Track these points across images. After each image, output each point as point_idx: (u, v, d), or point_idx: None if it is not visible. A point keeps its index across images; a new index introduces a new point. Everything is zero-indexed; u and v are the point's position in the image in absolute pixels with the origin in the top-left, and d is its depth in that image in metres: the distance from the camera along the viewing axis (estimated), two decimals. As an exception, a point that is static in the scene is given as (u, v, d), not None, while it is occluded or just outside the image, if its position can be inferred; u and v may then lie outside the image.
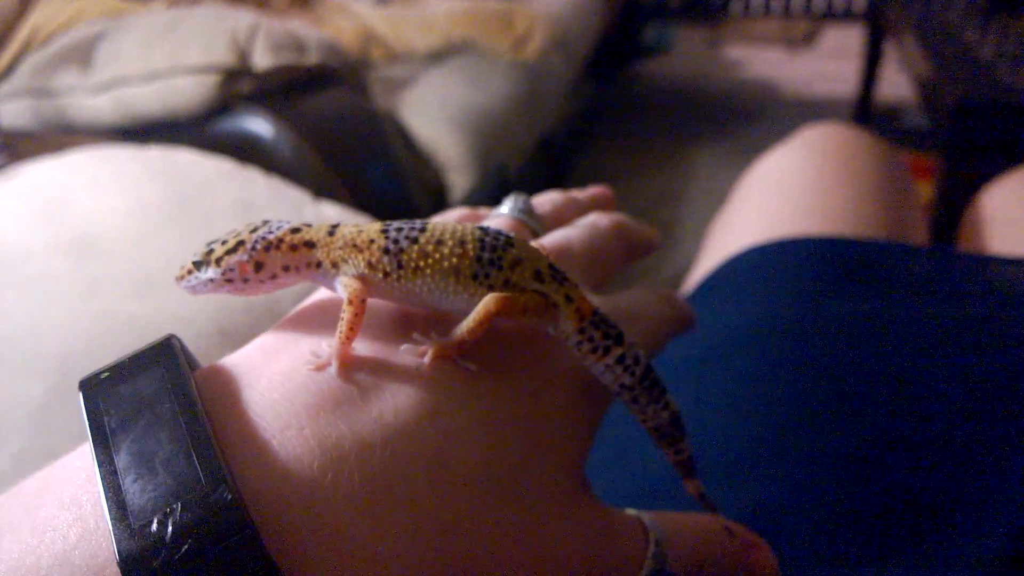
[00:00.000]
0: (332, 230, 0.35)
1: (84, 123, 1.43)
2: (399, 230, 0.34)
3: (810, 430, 0.56)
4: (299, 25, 1.77)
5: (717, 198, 2.99)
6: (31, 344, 0.57)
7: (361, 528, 0.26)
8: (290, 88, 1.57)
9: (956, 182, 1.66)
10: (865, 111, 3.29)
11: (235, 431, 0.27)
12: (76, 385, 0.32)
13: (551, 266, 0.34)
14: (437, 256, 0.33)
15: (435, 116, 1.86)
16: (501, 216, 0.43)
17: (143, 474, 0.25)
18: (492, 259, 0.33)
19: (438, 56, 2.13)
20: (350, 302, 0.32)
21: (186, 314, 0.66)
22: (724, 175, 3.44)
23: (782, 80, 4.18)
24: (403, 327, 0.34)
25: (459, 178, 1.79)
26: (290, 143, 1.49)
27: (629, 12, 3.79)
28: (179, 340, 0.32)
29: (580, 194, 0.48)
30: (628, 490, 0.57)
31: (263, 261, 0.34)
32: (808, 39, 4.65)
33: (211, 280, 0.35)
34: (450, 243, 0.33)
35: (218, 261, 0.34)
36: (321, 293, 0.37)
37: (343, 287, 0.33)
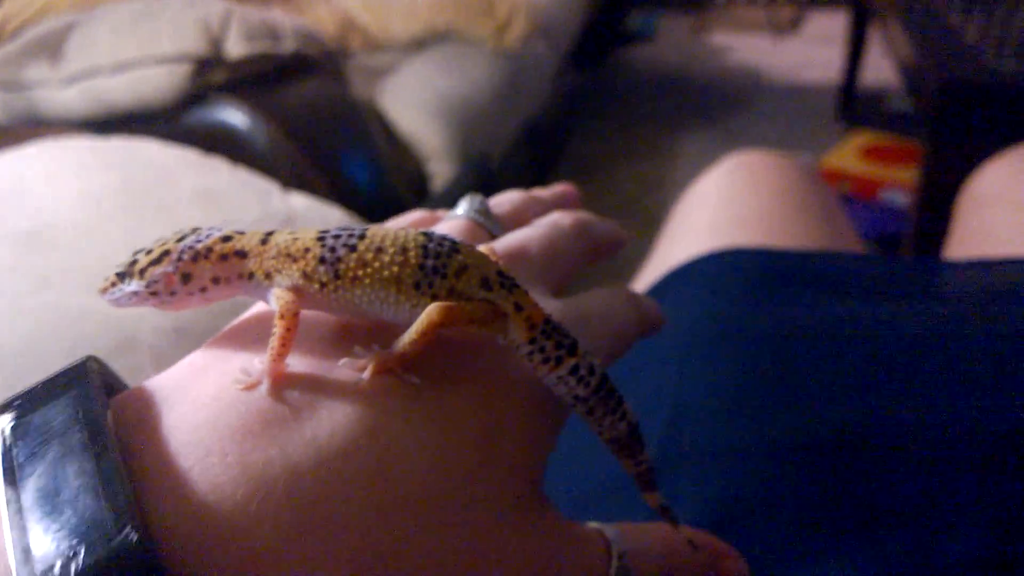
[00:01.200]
0: (265, 238, 0.32)
1: (55, 116, 1.40)
2: (336, 237, 0.32)
3: (770, 426, 0.55)
4: (276, 14, 1.73)
5: (703, 185, 2.97)
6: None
7: (290, 562, 0.24)
8: (265, 78, 1.53)
9: (941, 165, 1.65)
10: (849, 96, 3.28)
11: (152, 461, 0.25)
12: (23, 381, 0.30)
13: (500, 272, 0.32)
14: (377, 265, 0.31)
15: (416, 105, 1.83)
16: (456, 218, 0.41)
17: (48, 513, 0.23)
18: (436, 267, 0.31)
19: (419, 44, 2.10)
20: (282, 316, 0.29)
21: (142, 309, 0.63)
22: (711, 162, 3.43)
23: (767, 67, 4.17)
24: (343, 340, 0.32)
25: (441, 168, 1.77)
26: (266, 134, 1.46)
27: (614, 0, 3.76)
28: (98, 362, 0.30)
29: (543, 193, 0.47)
30: (585, 500, 0.56)
31: (190, 272, 0.32)
32: (793, 25, 4.64)
33: (135, 293, 0.33)
34: (391, 250, 0.31)
35: (142, 272, 0.32)
36: (259, 306, 0.34)
37: (275, 299, 0.30)
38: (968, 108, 1.56)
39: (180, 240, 0.33)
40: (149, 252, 0.32)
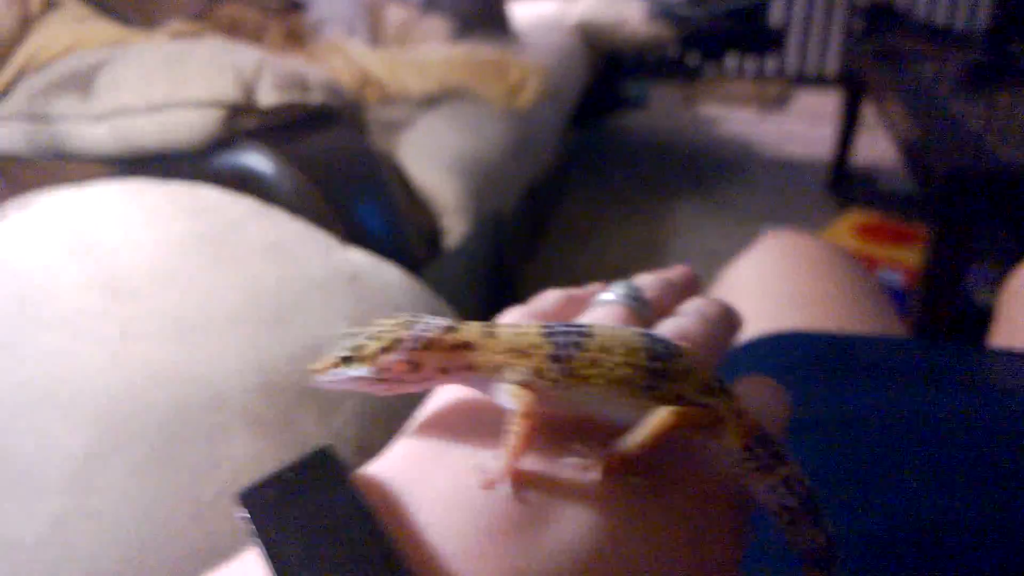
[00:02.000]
0: (490, 331, 0.32)
1: (80, 151, 1.39)
2: (565, 334, 0.32)
3: (854, 519, 0.55)
4: (299, 63, 1.75)
5: (698, 251, 3.03)
6: (66, 391, 0.53)
7: None
8: (291, 126, 1.55)
9: (945, 249, 1.70)
10: (841, 173, 3.38)
11: (420, 563, 0.25)
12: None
13: (713, 376, 0.32)
14: (608, 365, 0.31)
15: (431, 160, 1.85)
16: (611, 303, 0.41)
17: None
18: (663, 370, 0.31)
19: (432, 101, 2.13)
20: (525, 415, 0.29)
21: (230, 365, 0.62)
22: (704, 229, 3.51)
23: (756, 140, 4.29)
24: (560, 436, 0.31)
25: (455, 222, 1.78)
26: (291, 180, 1.46)
27: (610, 67, 3.87)
28: (334, 450, 0.30)
29: (672, 276, 0.47)
30: None
31: (420, 361, 0.31)
32: (780, 101, 4.80)
33: (360, 378, 0.32)
34: (620, 351, 0.31)
35: (372, 359, 0.32)
36: (451, 392, 0.34)
37: (513, 397, 0.30)
38: (974, 195, 1.62)
39: (408, 329, 0.32)
40: (376, 338, 0.32)
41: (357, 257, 0.83)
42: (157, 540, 0.59)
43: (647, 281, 0.44)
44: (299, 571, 0.24)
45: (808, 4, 4.88)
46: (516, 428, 0.29)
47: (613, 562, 0.26)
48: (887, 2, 3.35)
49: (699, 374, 0.31)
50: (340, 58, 2.26)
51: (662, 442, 0.29)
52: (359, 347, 0.32)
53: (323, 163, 1.54)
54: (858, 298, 0.87)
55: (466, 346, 0.32)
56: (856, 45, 2.97)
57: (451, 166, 1.84)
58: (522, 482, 0.28)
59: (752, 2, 4.11)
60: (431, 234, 1.82)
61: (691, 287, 0.47)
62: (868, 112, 3.19)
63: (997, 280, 2.29)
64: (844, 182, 3.38)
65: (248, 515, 0.27)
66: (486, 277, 1.80)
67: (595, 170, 3.85)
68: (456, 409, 0.33)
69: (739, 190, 3.61)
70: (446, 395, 0.34)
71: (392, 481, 0.28)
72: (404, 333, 0.32)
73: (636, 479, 0.29)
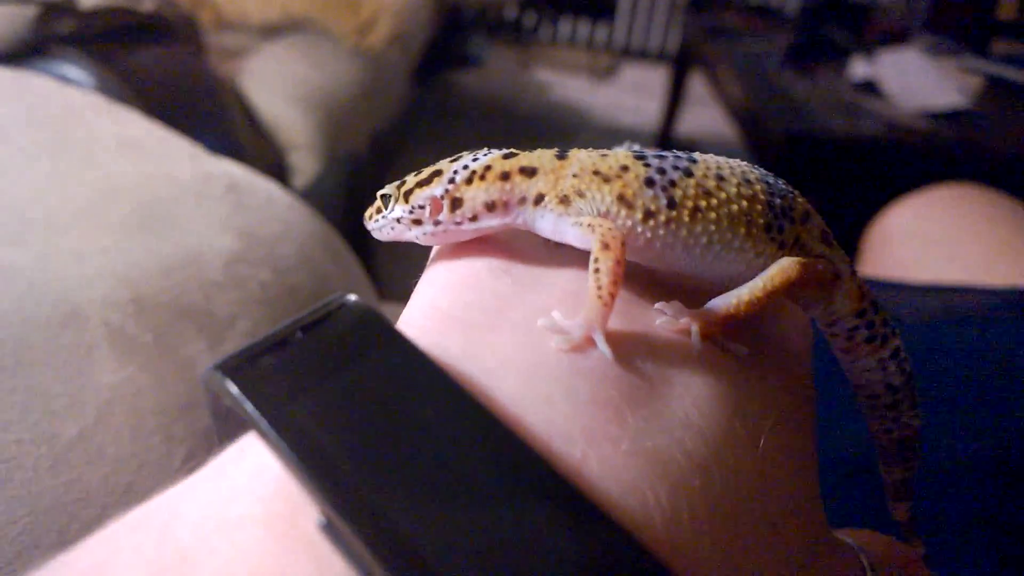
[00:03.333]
0: (562, 153, 0.27)
1: None
2: (661, 157, 0.26)
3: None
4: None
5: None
6: None
7: (725, 571, 0.19)
8: (118, 35, 1.34)
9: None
10: (665, 144, 3.56)
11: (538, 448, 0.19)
12: None
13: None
14: (723, 196, 0.25)
15: (277, 92, 1.70)
16: None
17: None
18: (783, 208, 0.26)
19: (275, 30, 1.96)
20: (606, 246, 0.23)
21: (86, 271, 0.51)
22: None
23: (587, 107, 4.41)
24: (635, 291, 0.26)
25: (305, 161, 1.65)
26: (115, 97, 1.27)
27: (451, 23, 3.79)
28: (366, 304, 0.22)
29: None
30: None
31: (461, 197, 0.26)
32: (610, 72, 4.96)
33: (397, 220, 0.26)
34: (734, 181, 0.25)
35: (407, 195, 0.26)
36: (459, 248, 0.28)
37: (588, 228, 0.24)
38: (806, 157, 1.75)
39: (454, 160, 0.26)
40: (419, 173, 0.25)
41: (230, 166, 0.72)
42: (4, 494, 0.47)
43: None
44: (343, 462, 0.17)
45: (637, -20, 5.06)
46: (599, 266, 0.23)
47: (742, 439, 0.22)
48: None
49: (817, 219, 0.28)
50: (165, -28, 2.00)
51: (775, 300, 0.25)
52: (400, 183, 0.26)
53: (154, 80, 1.35)
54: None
55: (525, 171, 0.26)
56: (688, 20, 3.12)
57: (299, 99, 1.69)
58: (617, 345, 0.23)
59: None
60: (276, 171, 1.68)
61: None
62: (692, 87, 3.37)
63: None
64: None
65: (239, 392, 0.19)
66: (338, 222, 1.69)
67: (435, 124, 3.78)
68: (485, 263, 0.26)
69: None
70: (462, 250, 0.28)
71: (439, 352, 0.22)
72: (447, 164, 0.26)
73: (737, 345, 0.25)
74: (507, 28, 4.94)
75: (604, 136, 3.98)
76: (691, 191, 0.25)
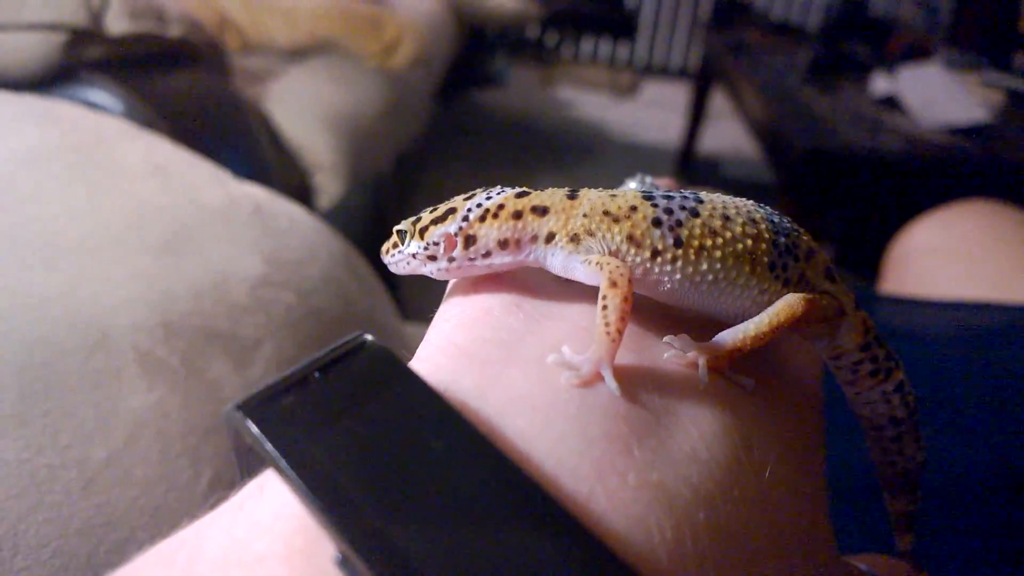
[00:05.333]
0: (573, 193, 0.27)
1: None
2: (668, 198, 0.26)
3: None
4: (153, -5, 1.57)
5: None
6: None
7: None
8: (146, 61, 1.37)
9: (802, 220, 1.82)
10: (688, 159, 3.55)
11: (543, 483, 0.20)
12: None
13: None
14: (728, 235, 0.25)
15: (303, 114, 1.73)
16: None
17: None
18: (788, 246, 0.26)
19: (300, 52, 1.99)
20: (613, 283, 0.24)
21: (117, 297, 0.52)
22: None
23: (609, 124, 4.43)
24: (644, 327, 0.26)
25: (329, 182, 1.67)
26: (143, 121, 1.30)
27: (474, 42, 3.83)
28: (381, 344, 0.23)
29: (669, 183, 0.44)
30: None
31: (475, 235, 0.27)
32: (631, 89, 4.98)
33: (413, 256, 0.27)
34: (739, 220, 0.26)
35: (422, 232, 0.27)
36: (476, 283, 0.28)
37: (597, 266, 0.25)
38: (827, 171, 1.75)
39: (468, 199, 0.27)
40: (434, 210, 0.27)
41: (254, 190, 0.74)
42: (36, 517, 0.49)
43: (662, 182, 0.41)
44: (358, 499, 0.18)
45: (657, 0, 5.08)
46: (607, 303, 0.24)
47: (748, 471, 0.22)
48: (733, -2, 3.55)
49: (821, 256, 0.28)
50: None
51: (781, 335, 0.26)
52: (416, 219, 0.27)
53: (181, 104, 1.38)
54: None
55: (537, 211, 0.26)
56: (711, 38, 3.12)
57: (324, 121, 1.72)
58: (626, 380, 0.23)
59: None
60: (301, 192, 1.70)
61: None
62: (713, 103, 3.37)
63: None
64: (691, 167, 3.56)
65: (259, 431, 0.20)
66: (362, 242, 1.71)
67: (458, 143, 3.81)
68: (498, 299, 0.27)
69: (593, 171, 3.71)
70: (475, 285, 0.28)
71: (451, 387, 0.22)
72: (461, 203, 0.27)
73: (743, 378, 0.25)
74: (529, 47, 4.98)
75: (626, 152, 3.99)
76: (697, 231, 0.26)
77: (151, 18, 1.36)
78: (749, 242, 0.26)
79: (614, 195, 0.27)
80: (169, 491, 0.45)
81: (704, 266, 0.25)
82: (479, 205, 0.27)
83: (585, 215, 0.26)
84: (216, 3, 2.02)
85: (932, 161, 1.77)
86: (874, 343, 0.28)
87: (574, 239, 0.26)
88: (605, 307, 0.24)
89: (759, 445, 0.23)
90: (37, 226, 0.53)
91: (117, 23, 1.30)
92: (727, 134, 3.81)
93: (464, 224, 0.27)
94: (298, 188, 1.69)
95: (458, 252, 0.27)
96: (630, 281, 0.24)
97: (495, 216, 0.27)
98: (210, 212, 0.67)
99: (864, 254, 1.27)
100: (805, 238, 0.28)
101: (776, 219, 0.27)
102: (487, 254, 0.27)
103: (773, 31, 3.04)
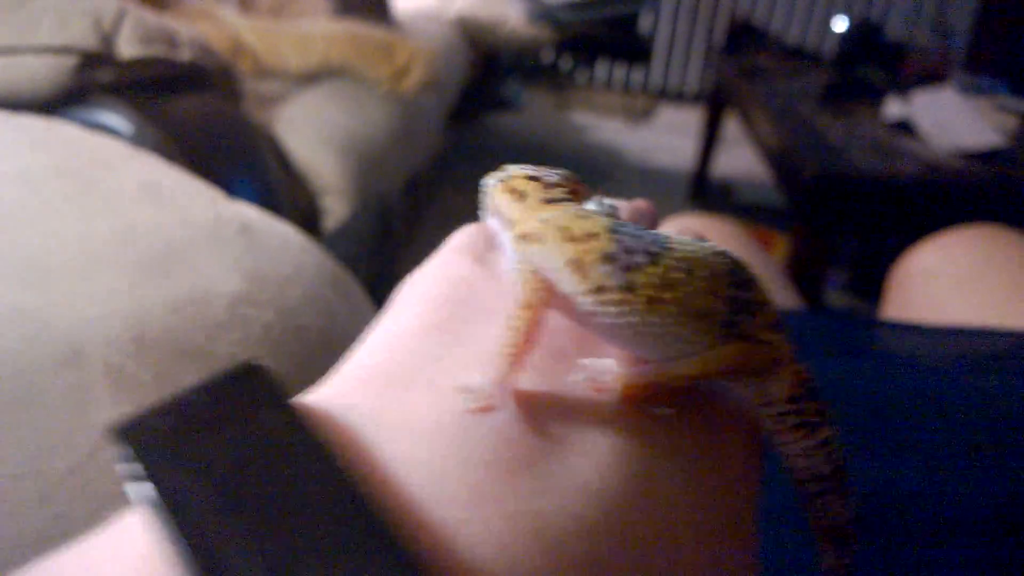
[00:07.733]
0: (550, 199, 0.27)
1: None
2: (636, 238, 0.24)
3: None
4: (170, 21, 1.60)
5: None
6: None
7: None
8: (156, 85, 1.40)
9: (810, 248, 1.80)
10: (702, 184, 3.55)
11: (399, 510, 0.19)
12: None
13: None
14: (688, 290, 0.23)
15: (311, 137, 1.75)
16: None
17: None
18: (746, 302, 0.25)
19: (311, 77, 2.02)
20: (528, 305, 0.23)
21: (93, 313, 0.52)
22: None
23: (624, 149, 4.43)
24: (562, 348, 0.25)
25: (337, 204, 1.68)
26: (153, 143, 1.32)
27: (487, 67, 3.87)
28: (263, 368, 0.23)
29: (639, 205, 0.43)
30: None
31: (494, 200, 0.30)
32: (646, 114, 4.99)
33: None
34: (701, 274, 0.24)
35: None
36: (418, 285, 0.28)
37: (522, 279, 0.24)
38: (837, 198, 1.73)
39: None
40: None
41: (246, 210, 0.74)
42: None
43: (620, 203, 0.40)
44: (213, 527, 0.17)
45: (672, 24, 5.10)
46: (515, 322, 0.23)
47: (643, 503, 0.21)
48: (747, 21, 3.56)
49: (771, 307, 0.26)
50: (209, 23, 2.09)
51: (707, 379, 0.24)
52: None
53: (191, 127, 1.40)
54: None
55: (516, 192, 0.28)
56: (723, 61, 3.13)
57: (332, 144, 1.74)
58: (524, 405, 0.22)
59: (626, 11, 4.25)
60: (308, 213, 1.72)
61: (654, 221, 0.43)
62: (727, 128, 3.37)
63: (848, 285, 2.47)
64: (704, 192, 3.55)
65: (133, 455, 0.20)
66: (367, 263, 1.71)
67: (472, 167, 3.83)
68: (422, 320, 0.26)
69: (609, 194, 3.70)
70: (417, 291, 0.28)
71: (347, 411, 0.21)
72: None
73: (662, 409, 0.24)
74: (544, 72, 5.02)
75: (640, 177, 3.99)
76: (654, 279, 0.24)
77: (162, 43, 1.39)
78: (709, 299, 0.24)
79: (585, 216, 0.25)
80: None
81: (655, 318, 0.24)
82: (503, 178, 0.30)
83: (543, 221, 0.25)
84: (230, 29, 2.05)
85: (945, 185, 1.75)
86: (805, 396, 0.26)
87: (524, 237, 0.25)
88: (513, 326, 0.23)
89: (666, 481, 0.22)
90: (21, 245, 0.53)
91: (128, 47, 1.32)
92: (741, 159, 3.80)
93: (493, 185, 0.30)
94: (306, 210, 1.71)
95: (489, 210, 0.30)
96: (547, 306, 0.23)
97: (504, 184, 0.29)
98: (196, 230, 0.67)
99: (877, 279, 1.25)
100: (761, 290, 0.26)
101: (737, 270, 0.25)
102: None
103: (788, 55, 3.04)
